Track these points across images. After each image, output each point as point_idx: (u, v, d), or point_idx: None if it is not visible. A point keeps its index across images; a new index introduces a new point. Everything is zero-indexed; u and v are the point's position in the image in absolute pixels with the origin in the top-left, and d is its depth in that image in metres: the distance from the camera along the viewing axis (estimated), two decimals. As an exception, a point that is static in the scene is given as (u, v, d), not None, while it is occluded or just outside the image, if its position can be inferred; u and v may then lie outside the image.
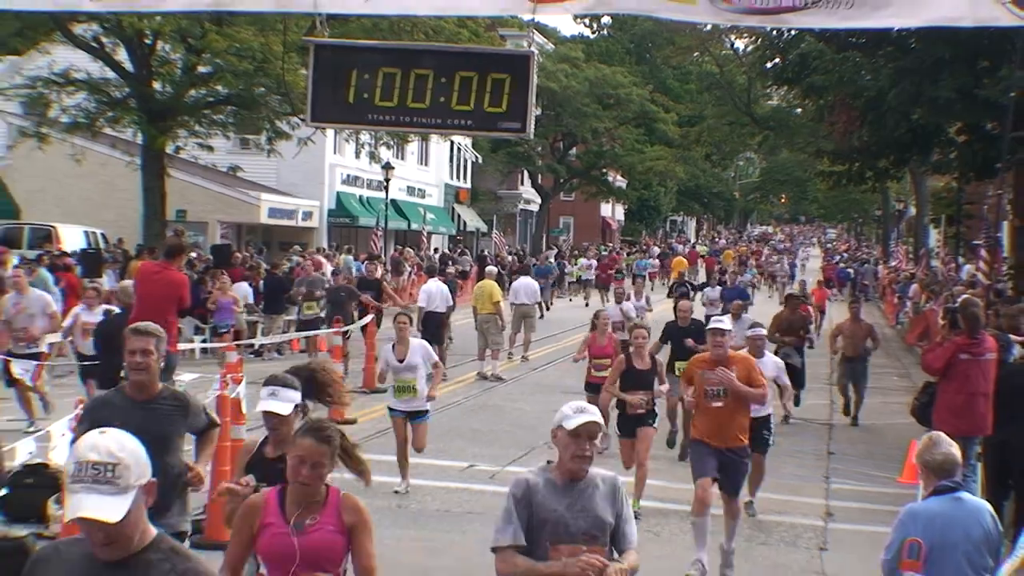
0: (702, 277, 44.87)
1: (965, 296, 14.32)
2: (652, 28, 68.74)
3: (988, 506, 6.44)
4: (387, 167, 40.01)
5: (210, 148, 31.07)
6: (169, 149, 29.21)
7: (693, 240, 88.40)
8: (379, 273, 22.72)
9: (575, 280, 45.44)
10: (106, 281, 24.66)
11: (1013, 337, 12.73)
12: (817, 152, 36.10)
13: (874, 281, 50.72)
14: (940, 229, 52.55)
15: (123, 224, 32.95)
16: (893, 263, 55.60)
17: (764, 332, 12.46)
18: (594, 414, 5.07)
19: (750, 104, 44.30)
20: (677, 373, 13.01)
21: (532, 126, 6.07)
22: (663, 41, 65.11)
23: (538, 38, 56.44)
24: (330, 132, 33.03)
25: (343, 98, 6.07)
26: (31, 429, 13.16)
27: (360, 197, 46.23)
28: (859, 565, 9.72)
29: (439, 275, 23.62)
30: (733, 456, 9.48)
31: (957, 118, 25.00)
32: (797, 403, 16.94)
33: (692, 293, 25.14)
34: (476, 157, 60.48)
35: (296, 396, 6.06)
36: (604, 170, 64.76)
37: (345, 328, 19.48)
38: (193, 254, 27.07)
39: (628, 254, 57.92)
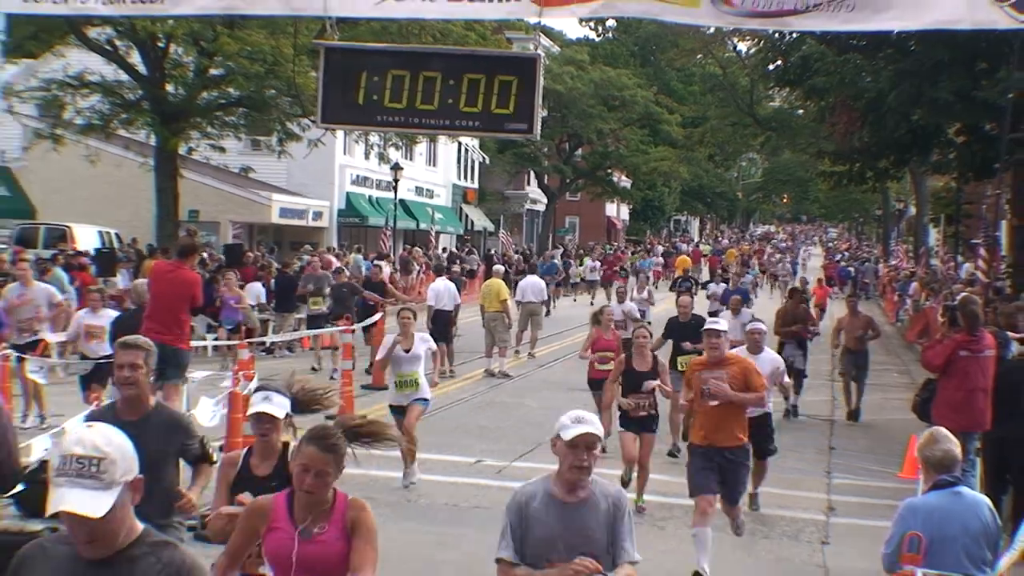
0: (705, 276, 45.17)
1: (964, 294, 14.12)
2: (656, 31, 68.57)
3: (987, 500, 6.51)
4: (396, 168, 40.06)
5: (222, 149, 31.20)
6: (182, 150, 29.33)
7: (697, 239, 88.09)
8: (385, 273, 22.83)
9: (580, 280, 45.57)
10: (120, 280, 24.96)
11: (1011, 334, 12.72)
12: (818, 153, 36.24)
13: (874, 279, 50.87)
14: (939, 228, 52.53)
15: (137, 224, 32.98)
16: (893, 262, 55.81)
17: (763, 327, 12.40)
18: (591, 424, 4.97)
19: (752, 105, 44.24)
20: (679, 369, 12.96)
21: (538, 127, 6.14)
22: (667, 44, 65.05)
23: (544, 41, 56.62)
24: (340, 133, 32.81)
25: (353, 100, 6.14)
26: (44, 425, 13.41)
27: (369, 197, 46.35)
28: (860, 558, 9.64)
29: (446, 274, 23.76)
30: (732, 458, 9.28)
31: (956, 119, 25.11)
32: (786, 399, 17.00)
33: (695, 288, 24.93)
34: (483, 158, 60.57)
35: (287, 404, 5.90)
36: (609, 170, 64.79)
37: (352, 327, 19.50)
38: (205, 254, 27.25)
39: (632, 253, 58.12)
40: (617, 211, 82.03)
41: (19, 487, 9.90)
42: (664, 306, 26.09)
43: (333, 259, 29.09)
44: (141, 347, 6.17)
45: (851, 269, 52.72)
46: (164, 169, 28.75)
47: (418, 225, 49.36)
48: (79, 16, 21.82)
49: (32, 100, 29.52)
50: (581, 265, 46.45)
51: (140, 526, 3.42)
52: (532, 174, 65.18)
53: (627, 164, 63.54)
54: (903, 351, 27.95)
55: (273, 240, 40.74)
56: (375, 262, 27.44)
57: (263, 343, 22.36)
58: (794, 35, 27.43)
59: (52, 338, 15.64)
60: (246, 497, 5.58)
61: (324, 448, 4.62)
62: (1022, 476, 10.63)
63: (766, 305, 32.41)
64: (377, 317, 20.90)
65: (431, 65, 6.10)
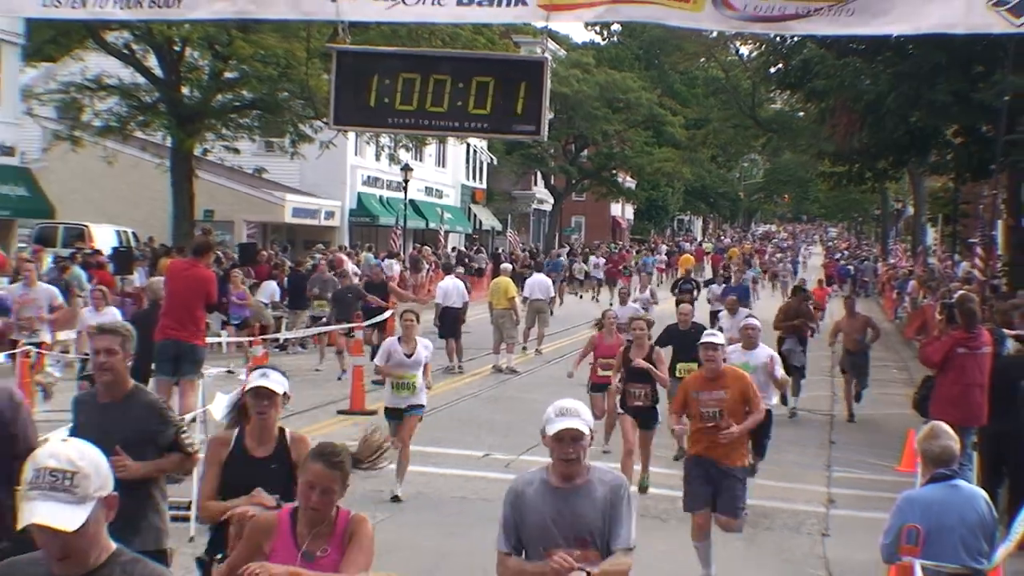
0: (708, 274, 45.62)
1: (961, 292, 13.95)
2: (660, 35, 68.52)
3: (983, 493, 6.60)
4: (406, 168, 40.40)
5: (236, 150, 31.54)
6: (197, 151, 29.75)
7: (700, 238, 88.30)
8: (395, 272, 22.77)
9: (585, 276, 45.73)
10: (137, 278, 25.40)
11: (1007, 331, 12.83)
12: (819, 154, 36.56)
13: (873, 278, 51.22)
14: (937, 228, 52.76)
15: (153, 223, 33.11)
16: (892, 260, 56.22)
17: (757, 322, 12.33)
18: (575, 416, 4.95)
19: (754, 108, 44.41)
20: (678, 375, 12.81)
21: (545, 129, 6.16)
22: (671, 47, 64.98)
23: (551, 45, 56.83)
24: (351, 135, 32.99)
25: (364, 102, 6.08)
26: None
27: (380, 197, 46.69)
28: (860, 550, 9.62)
29: (453, 272, 24.01)
30: (729, 474, 8.90)
31: (953, 121, 25.54)
32: (785, 402, 16.65)
33: (696, 292, 24.74)
34: (491, 159, 61.01)
35: (285, 383, 5.82)
36: (614, 171, 65.14)
37: (350, 325, 19.37)
38: (219, 252, 27.53)
39: (636, 252, 58.54)
40: (622, 211, 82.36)
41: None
42: (664, 306, 26.13)
43: (344, 258, 29.18)
44: (118, 332, 6.02)
45: (851, 267, 53.04)
46: (180, 170, 29.09)
47: (427, 224, 49.69)
48: (97, 20, 22.03)
49: (51, 102, 29.98)
50: (586, 263, 46.95)
51: (113, 545, 3.32)
52: (539, 175, 65.57)
53: (632, 165, 63.92)
54: (902, 348, 28.08)
55: (286, 239, 40.88)
56: (376, 262, 27.58)
57: (276, 340, 22.58)
58: (795, 39, 27.84)
59: (51, 339, 15.78)
60: (260, 494, 5.55)
61: (330, 465, 4.58)
62: (1017, 470, 10.65)
63: (768, 304, 32.59)
64: (388, 315, 20.78)
65: (441, 68, 6.09)
